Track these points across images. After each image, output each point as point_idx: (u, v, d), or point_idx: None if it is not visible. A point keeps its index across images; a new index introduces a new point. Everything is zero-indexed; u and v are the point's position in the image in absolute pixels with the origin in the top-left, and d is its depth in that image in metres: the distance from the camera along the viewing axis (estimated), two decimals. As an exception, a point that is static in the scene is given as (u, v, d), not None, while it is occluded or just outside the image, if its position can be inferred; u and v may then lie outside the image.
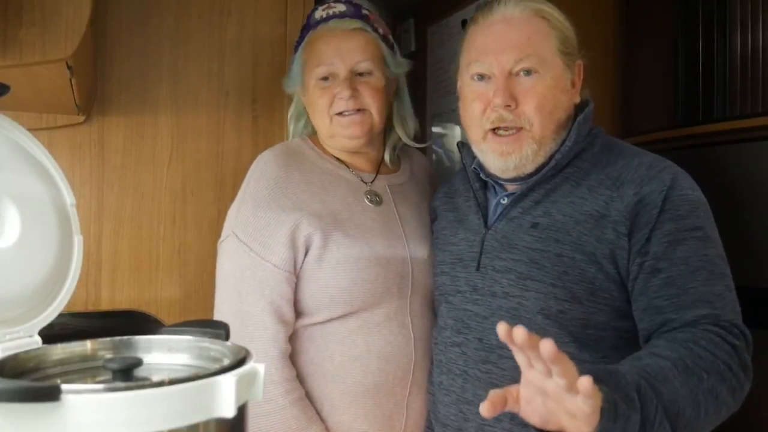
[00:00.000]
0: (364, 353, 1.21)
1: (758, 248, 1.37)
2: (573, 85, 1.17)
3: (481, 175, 1.22)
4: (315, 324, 1.22)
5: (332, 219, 1.23)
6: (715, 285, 1.00)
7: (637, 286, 1.04)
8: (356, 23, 1.29)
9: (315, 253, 1.20)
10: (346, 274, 1.20)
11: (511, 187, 1.19)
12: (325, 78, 1.28)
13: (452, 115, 2.41)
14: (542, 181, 1.14)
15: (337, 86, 1.26)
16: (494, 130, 1.13)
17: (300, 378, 1.21)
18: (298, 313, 1.22)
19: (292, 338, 1.22)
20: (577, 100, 1.18)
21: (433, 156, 2.50)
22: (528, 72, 1.11)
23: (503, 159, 1.13)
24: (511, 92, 1.11)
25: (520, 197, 1.15)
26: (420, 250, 1.30)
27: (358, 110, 1.27)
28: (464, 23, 2.27)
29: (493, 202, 1.22)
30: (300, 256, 1.20)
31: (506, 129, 1.13)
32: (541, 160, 1.14)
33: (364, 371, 1.21)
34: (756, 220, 1.39)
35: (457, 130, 2.41)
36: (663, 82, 1.85)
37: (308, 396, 1.21)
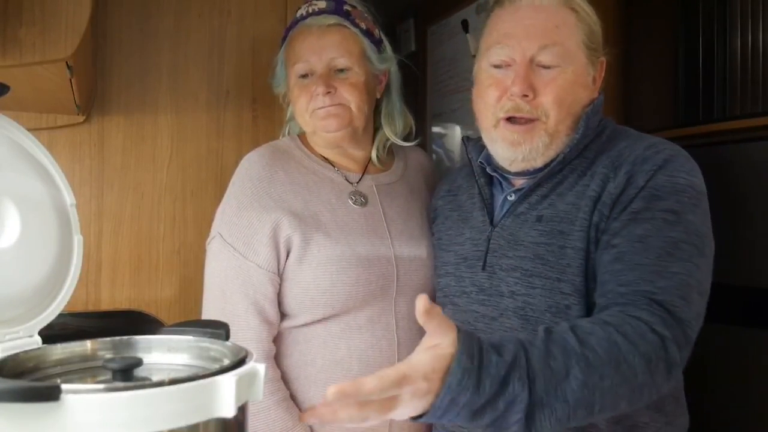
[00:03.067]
0: (346, 357, 1.21)
1: (759, 248, 1.37)
2: (594, 81, 1.13)
3: (488, 169, 1.18)
4: (298, 326, 1.22)
5: (313, 220, 1.22)
6: (668, 266, 0.93)
7: (593, 264, 1.00)
8: (333, 19, 1.28)
9: (296, 254, 1.20)
10: (326, 276, 1.19)
11: (518, 182, 1.16)
12: (304, 75, 1.28)
13: (452, 115, 2.41)
14: (550, 175, 1.10)
15: (313, 83, 1.26)
16: (508, 118, 1.09)
17: (284, 382, 1.21)
18: (282, 315, 1.22)
19: (278, 341, 1.23)
20: (596, 96, 1.13)
21: (433, 156, 2.50)
22: (549, 65, 1.07)
23: (513, 148, 1.09)
24: (530, 82, 1.06)
25: (528, 193, 1.11)
26: (408, 250, 1.28)
27: (337, 104, 1.26)
28: (464, 23, 2.27)
29: (499, 199, 1.18)
30: (282, 257, 1.20)
31: (520, 119, 1.08)
32: (551, 154, 1.10)
33: (346, 375, 1.20)
34: (756, 220, 1.39)
35: (458, 129, 2.41)
36: (663, 82, 1.85)
37: (292, 400, 1.21)
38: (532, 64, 1.08)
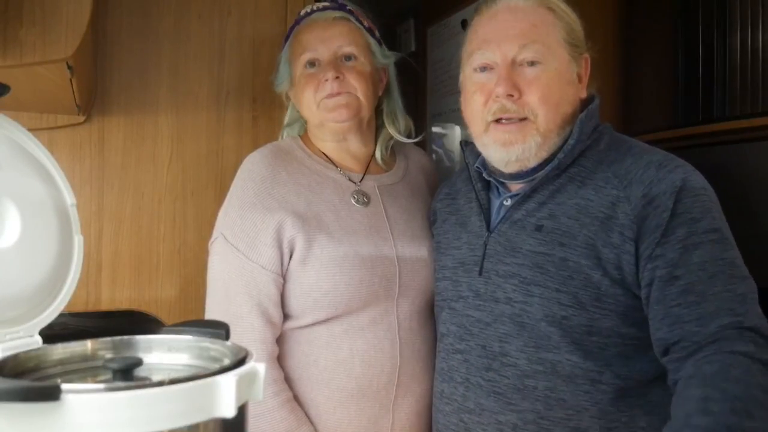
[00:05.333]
0: (348, 357, 1.21)
1: (759, 248, 1.37)
2: (579, 79, 1.13)
3: (484, 174, 1.19)
4: (301, 327, 1.22)
5: (316, 221, 1.22)
6: (736, 289, 0.96)
7: (653, 293, 1.00)
8: (338, 13, 1.32)
9: (299, 255, 1.20)
10: (329, 277, 1.19)
11: (514, 188, 1.16)
12: (311, 64, 1.29)
13: (452, 115, 2.41)
14: (546, 181, 1.10)
15: (321, 71, 1.27)
16: (497, 120, 1.10)
17: (287, 382, 1.21)
18: (285, 316, 1.22)
19: (280, 341, 1.23)
20: (584, 94, 1.14)
21: (433, 156, 2.50)
22: (532, 63, 1.07)
23: (505, 149, 1.09)
24: (514, 82, 1.07)
25: (524, 199, 1.12)
26: (410, 251, 1.28)
27: (345, 93, 1.26)
28: (464, 23, 2.26)
29: (495, 204, 1.18)
30: (285, 258, 1.20)
31: (509, 119, 1.09)
32: (544, 155, 1.10)
33: (348, 375, 1.21)
34: (756, 221, 1.39)
35: (457, 130, 2.41)
36: (663, 82, 1.85)
37: (295, 400, 1.21)
38: (515, 64, 1.08)
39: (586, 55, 1.14)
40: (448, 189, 1.34)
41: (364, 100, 1.28)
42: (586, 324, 1.03)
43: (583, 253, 1.03)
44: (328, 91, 1.25)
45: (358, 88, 1.27)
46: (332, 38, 1.28)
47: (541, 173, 1.10)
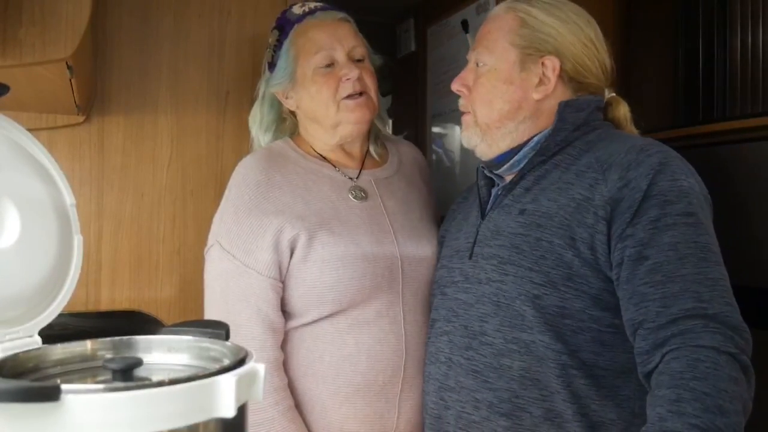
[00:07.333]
0: (354, 352, 1.21)
1: (758, 249, 1.37)
2: (540, 81, 1.15)
3: (486, 171, 1.25)
4: (305, 325, 1.22)
5: (316, 219, 1.22)
6: (706, 273, 0.96)
7: (623, 273, 1.00)
8: (342, 14, 1.33)
9: (300, 254, 1.19)
10: (333, 272, 1.19)
11: (507, 179, 1.22)
12: (328, 64, 1.28)
13: (452, 115, 2.41)
14: (532, 168, 1.15)
15: (342, 69, 1.27)
16: None
17: (292, 380, 1.21)
18: (288, 316, 1.22)
19: (285, 339, 1.22)
20: (538, 96, 1.16)
21: (433, 156, 2.50)
22: (479, 64, 1.19)
23: (462, 134, 1.23)
24: (465, 81, 1.21)
25: (511, 186, 1.17)
26: (410, 244, 1.29)
27: (362, 93, 1.28)
28: (464, 23, 2.26)
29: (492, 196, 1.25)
30: (285, 260, 1.20)
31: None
32: (501, 146, 1.18)
33: (354, 370, 1.21)
34: (756, 221, 1.39)
35: (457, 130, 2.40)
36: (663, 82, 1.85)
37: (300, 398, 1.21)
38: (477, 66, 1.20)
39: (549, 57, 1.15)
40: (465, 194, 1.40)
41: (376, 100, 1.31)
42: (558, 305, 1.04)
43: (557, 233, 1.06)
44: (350, 91, 1.26)
45: (371, 87, 1.30)
46: (345, 38, 1.29)
47: (519, 157, 1.16)
